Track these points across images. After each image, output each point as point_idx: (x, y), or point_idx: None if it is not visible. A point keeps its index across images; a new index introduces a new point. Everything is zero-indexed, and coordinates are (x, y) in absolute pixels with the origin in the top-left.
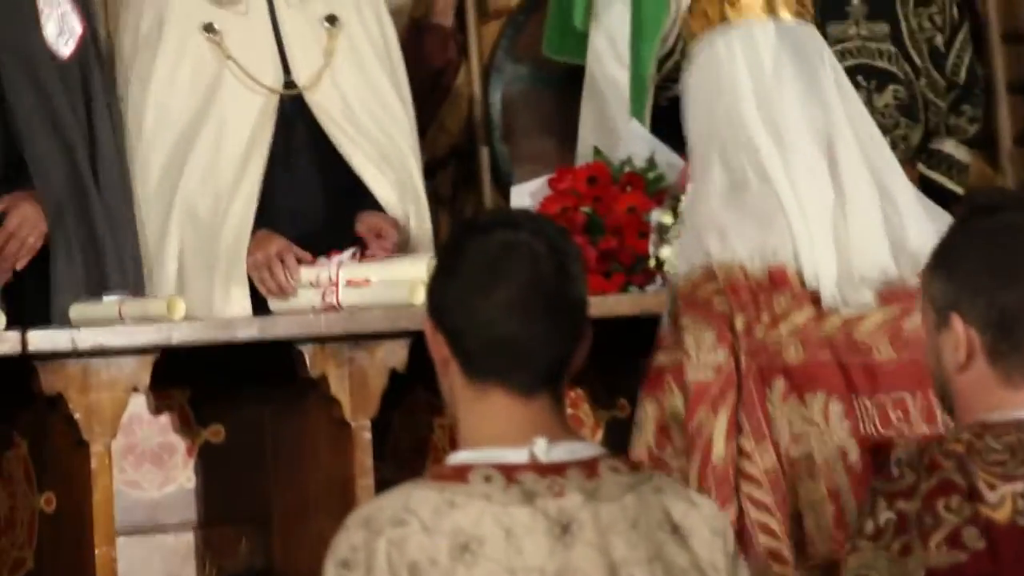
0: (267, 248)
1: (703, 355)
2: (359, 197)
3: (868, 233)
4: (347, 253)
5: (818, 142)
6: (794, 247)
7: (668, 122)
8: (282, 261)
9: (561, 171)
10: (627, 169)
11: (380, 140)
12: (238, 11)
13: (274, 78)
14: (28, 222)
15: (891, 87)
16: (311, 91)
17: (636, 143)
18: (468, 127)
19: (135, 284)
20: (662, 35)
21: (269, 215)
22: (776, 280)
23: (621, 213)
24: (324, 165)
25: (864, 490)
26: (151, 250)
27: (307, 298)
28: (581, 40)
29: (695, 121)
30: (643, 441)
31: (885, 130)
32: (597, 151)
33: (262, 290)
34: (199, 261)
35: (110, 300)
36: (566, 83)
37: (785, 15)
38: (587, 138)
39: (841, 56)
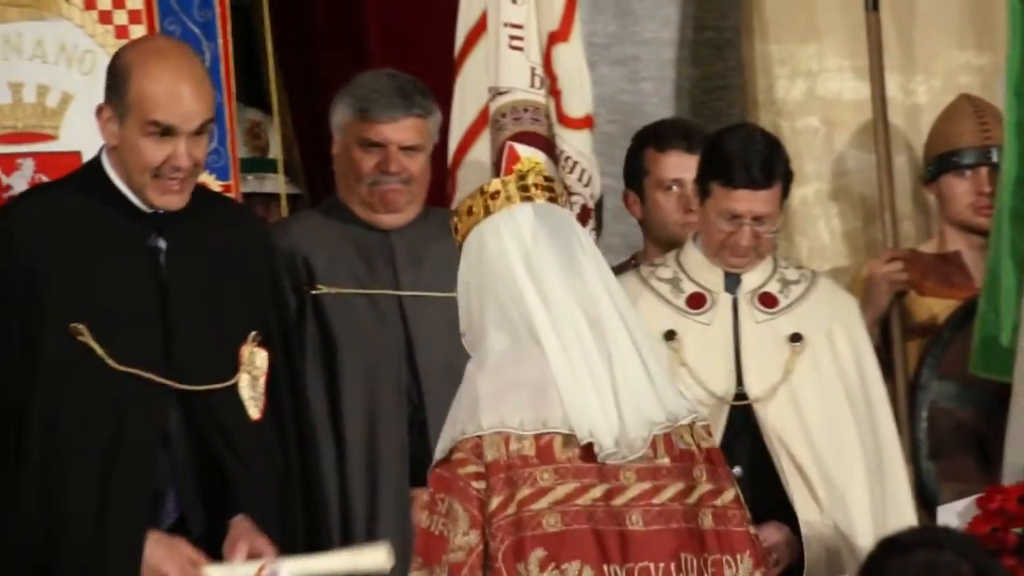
0: None
1: (459, 539)
2: (789, 515)
3: (638, 392)
4: None
5: (582, 307)
6: (564, 412)
7: None
8: None
9: (990, 490)
10: None
11: (825, 462)
12: (702, 321)
13: (726, 389)
14: None
15: None
16: (763, 404)
17: None
18: None
19: None
20: None
21: None
22: (543, 455)
23: None
24: (761, 477)
25: None
26: None
27: None
28: (1008, 357)
29: (467, 307)
30: None
31: None
32: None
33: None
34: None
35: None
36: (993, 400)
37: (540, 199)
38: (1016, 457)
39: None
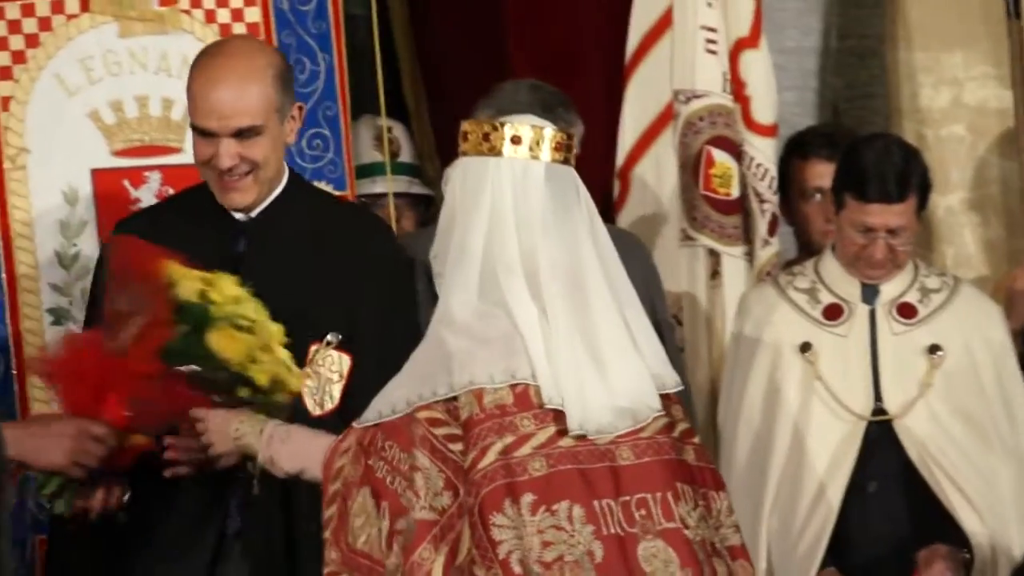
0: None
1: (431, 499)
2: (944, 526)
3: (628, 367)
4: None
5: (569, 276)
6: (532, 369)
7: None
8: None
9: None
10: None
11: (974, 473)
12: (838, 333)
13: (863, 404)
14: None
15: None
16: (901, 419)
17: None
18: None
19: None
20: None
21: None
22: (520, 402)
23: None
24: (904, 491)
25: None
26: None
27: None
28: None
29: (450, 234)
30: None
31: None
32: None
33: None
34: None
35: None
36: None
37: (550, 157)
38: None
39: None
